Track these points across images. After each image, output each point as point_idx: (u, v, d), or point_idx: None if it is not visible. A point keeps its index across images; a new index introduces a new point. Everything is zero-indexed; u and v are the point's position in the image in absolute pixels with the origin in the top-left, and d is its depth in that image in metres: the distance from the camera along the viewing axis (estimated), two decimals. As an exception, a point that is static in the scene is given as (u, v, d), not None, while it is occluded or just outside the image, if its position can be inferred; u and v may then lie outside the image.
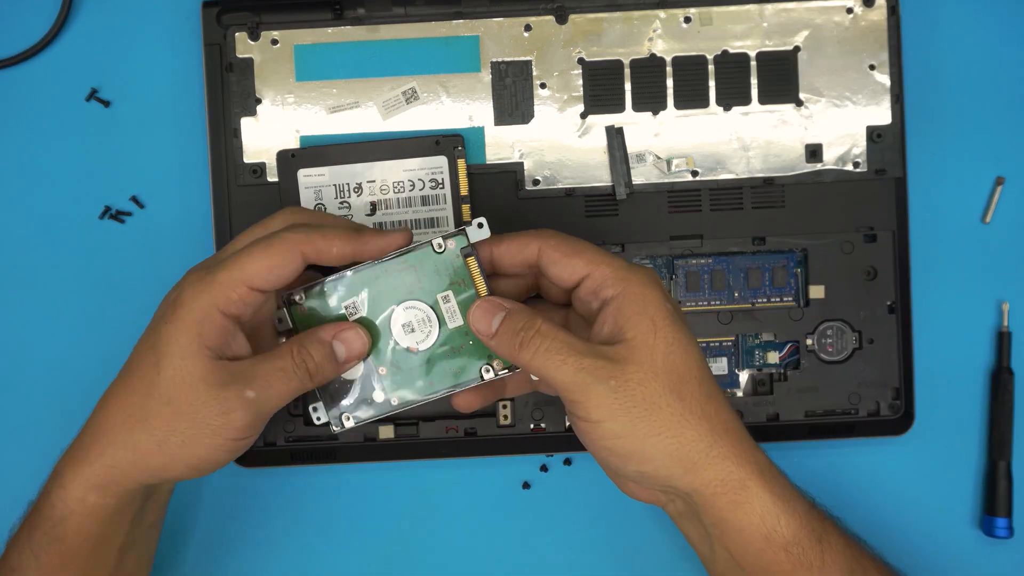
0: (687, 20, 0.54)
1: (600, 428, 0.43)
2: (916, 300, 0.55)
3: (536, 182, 0.54)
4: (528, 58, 0.54)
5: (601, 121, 0.54)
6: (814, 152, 0.54)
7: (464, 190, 0.53)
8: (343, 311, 0.47)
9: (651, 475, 0.44)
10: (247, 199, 0.54)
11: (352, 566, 0.56)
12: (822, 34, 0.54)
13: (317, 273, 0.48)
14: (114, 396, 0.45)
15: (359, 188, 0.54)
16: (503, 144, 0.54)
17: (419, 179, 0.53)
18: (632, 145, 0.54)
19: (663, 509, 0.48)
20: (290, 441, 0.54)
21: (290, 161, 0.54)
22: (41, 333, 0.56)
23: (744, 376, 0.55)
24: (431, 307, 0.47)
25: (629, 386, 0.43)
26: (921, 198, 0.56)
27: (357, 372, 0.47)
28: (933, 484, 0.56)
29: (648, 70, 0.54)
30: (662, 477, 0.44)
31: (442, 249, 0.46)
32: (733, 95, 0.54)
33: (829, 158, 0.54)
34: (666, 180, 0.54)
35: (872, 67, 0.54)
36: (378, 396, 0.48)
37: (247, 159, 0.54)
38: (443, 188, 0.53)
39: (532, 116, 0.54)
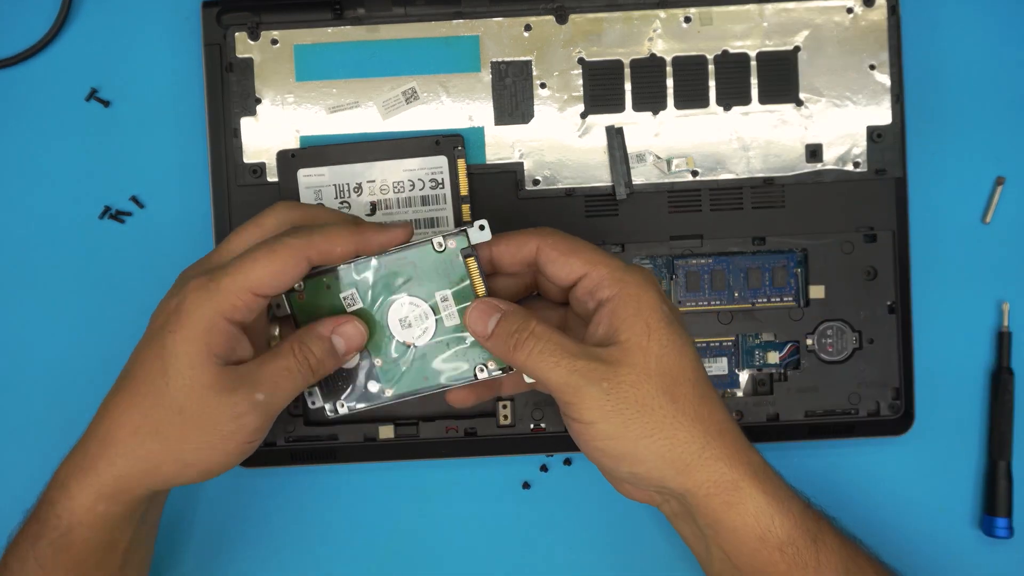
0: (687, 20, 0.54)
1: (593, 429, 0.43)
2: (916, 300, 0.55)
3: (536, 182, 0.54)
4: (528, 58, 0.54)
5: (601, 121, 0.54)
6: (814, 152, 0.54)
7: (464, 190, 0.53)
8: (341, 301, 0.47)
9: (644, 476, 0.44)
10: (247, 199, 0.54)
11: (352, 566, 0.56)
12: (822, 34, 0.54)
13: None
14: (118, 406, 0.44)
15: (359, 188, 0.54)
16: (503, 144, 0.54)
17: (419, 179, 0.53)
18: (632, 145, 0.54)
19: (659, 509, 0.48)
20: (290, 441, 0.54)
21: (290, 161, 0.54)
22: (41, 333, 0.56)
23: (744, 376, 0.55)
24: (429, 304, 0.47)
25: (622, 388, 0.43)
26: (921, 198, 0.56)
27: (353, 362, 0.48)
28: (933, 484, 0.56)
29: (648, 70, 0.54)
30: (655, 478, 0.44)
31: (442, 248, 0.46)
32: (733, 95, 0.54)
33: (829, 158, 0.54)
34: (666, 180, 0.54)
35: (872, 67, 0.54)
36: (373, 387, 0.48)
37: (247, 159, 0.54)
38: (443, 188, 0.53)
39: (532, 116, 0.54)
